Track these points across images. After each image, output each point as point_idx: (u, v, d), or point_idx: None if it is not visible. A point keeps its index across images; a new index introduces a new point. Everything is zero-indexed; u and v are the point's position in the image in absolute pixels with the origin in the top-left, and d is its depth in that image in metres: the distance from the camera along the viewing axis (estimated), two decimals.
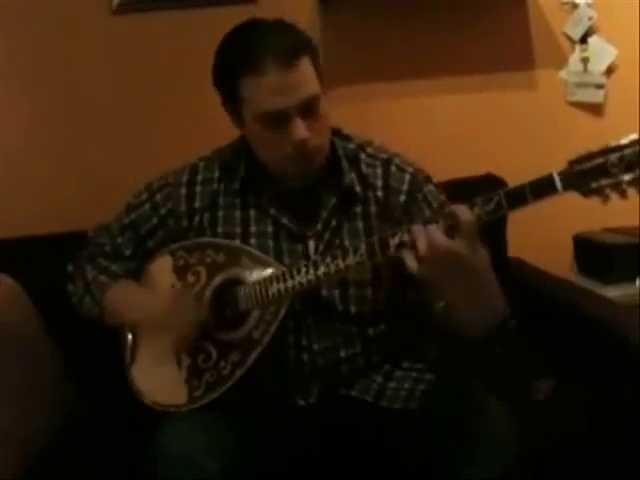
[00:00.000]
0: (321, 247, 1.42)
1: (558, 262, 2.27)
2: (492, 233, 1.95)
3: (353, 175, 1.45)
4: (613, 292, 2.07)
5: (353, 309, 1.42)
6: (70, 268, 1.62)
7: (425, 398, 1.41)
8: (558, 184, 1.15)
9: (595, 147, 1.14)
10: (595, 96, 2.34)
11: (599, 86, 2.34)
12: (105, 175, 2.18)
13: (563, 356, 1.74)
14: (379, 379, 1.46)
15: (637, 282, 2.14)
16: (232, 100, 1.40)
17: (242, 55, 1.35)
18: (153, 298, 1.48)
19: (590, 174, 1.14)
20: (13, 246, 1.94)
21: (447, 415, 1.31)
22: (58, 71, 2.19)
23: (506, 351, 1.38)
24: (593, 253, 2.27)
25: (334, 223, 1.44)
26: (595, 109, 2.36)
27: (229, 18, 2.10)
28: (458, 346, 1.39)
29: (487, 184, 2.02)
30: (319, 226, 1.43)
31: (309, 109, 1.34)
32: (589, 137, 2.28)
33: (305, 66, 1.34)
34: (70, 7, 2.17)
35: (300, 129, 1.33)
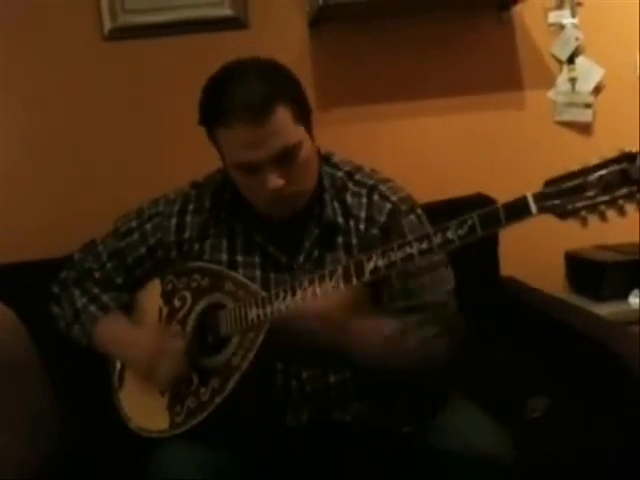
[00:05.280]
0: None
1: (550, 280, 2.28)
2: (484, 253, 1.97)
3: (336, 205, 1.44)
4: (605, 309, 2.07)
5: None
6: (56, 290, 1.59)
7: (419, 419, 1.40)
8: (532, 206, 1.11)
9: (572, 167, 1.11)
10: (583, 116, 2.37)
11: (587, 105, 2.36)
12: (99, 199, 2.18)
13: (558, 374, 1.74)
14: (370, 402, 1.44)
15: (630, 299, 2.14)
16: (213, 142, 1.40)
17: (215, 107, 1.33)
18: (139, 340, 1.45)
19: (565, 196, 1.09)
20: (5, 271, 1.94)
21: (442, 435, 1.31)
22: (50, 97, 2.20)
23: (446, 387, 1.40)
24: (585, 270, 2.28)
25: (316, 254, 1.43)
26: (583, 128, 2.38)
27: (222, 44, 2.16)
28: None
29: (477, 204, 2.00)
30: (302, 257, 1.43)
31: (284, 157, 1.32)
32: (578, 157, 2.27)
33: (279, 116, 1.30)
34: (62, 33, 2.19)
35: (271, 181, 1.31)
